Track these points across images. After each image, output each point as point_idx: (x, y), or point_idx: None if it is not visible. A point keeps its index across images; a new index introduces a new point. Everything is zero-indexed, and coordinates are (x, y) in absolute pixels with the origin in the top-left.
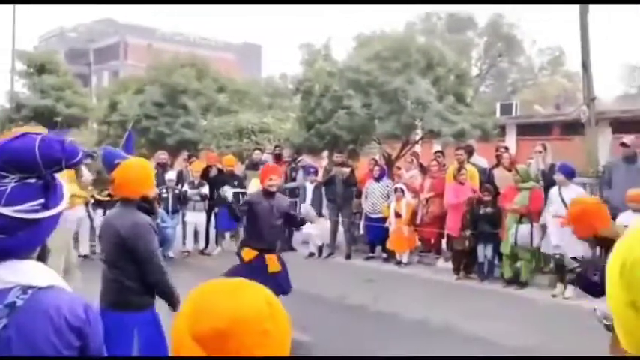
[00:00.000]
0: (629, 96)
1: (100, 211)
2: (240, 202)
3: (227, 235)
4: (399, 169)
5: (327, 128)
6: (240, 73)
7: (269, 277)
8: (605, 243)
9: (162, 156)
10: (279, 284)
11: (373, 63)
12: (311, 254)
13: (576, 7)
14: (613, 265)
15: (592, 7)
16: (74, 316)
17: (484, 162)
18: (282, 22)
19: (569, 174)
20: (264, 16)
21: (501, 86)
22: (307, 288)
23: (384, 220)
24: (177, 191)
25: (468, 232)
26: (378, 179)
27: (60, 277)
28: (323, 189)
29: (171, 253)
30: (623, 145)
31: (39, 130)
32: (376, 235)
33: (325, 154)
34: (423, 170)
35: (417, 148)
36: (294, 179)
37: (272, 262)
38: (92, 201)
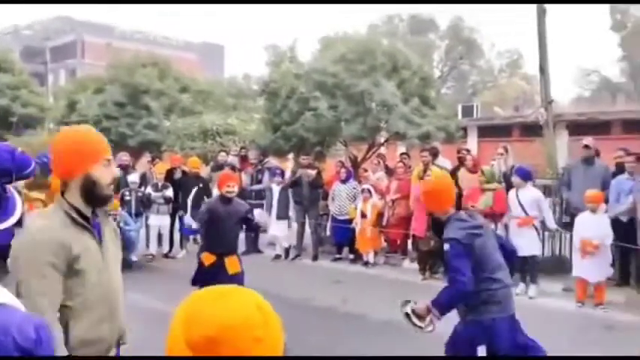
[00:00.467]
0: (583, 99)
1: None
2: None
3: (191, 237)
4: (366, 170)
5: (293, 130)
6: (202, 73)
7: (231, 279)
8: (436, 223)
9: (125, 157)
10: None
11: (339, 65)
12: (277, 256)
13: (534, 10)
14: None
15: (548, 10)
16: (23, 336)
17: (448, 164)
18: (243, 22)
19: (526, 176)
20: (225, 16)
21: (462, 88)
22: (274, 290)
23: (350, 221)
24: (140, 194)
25: (432, 234)
26: (344, 181)
27: (11, 295)
28: (290, 191)
29: (134, 257)
30: (586, 147)
31: None
32: (343, 237)
33: (291, 155)
34: (389, 172)
35: (382, 150)
36: (260, 181)
37: (231, 264)
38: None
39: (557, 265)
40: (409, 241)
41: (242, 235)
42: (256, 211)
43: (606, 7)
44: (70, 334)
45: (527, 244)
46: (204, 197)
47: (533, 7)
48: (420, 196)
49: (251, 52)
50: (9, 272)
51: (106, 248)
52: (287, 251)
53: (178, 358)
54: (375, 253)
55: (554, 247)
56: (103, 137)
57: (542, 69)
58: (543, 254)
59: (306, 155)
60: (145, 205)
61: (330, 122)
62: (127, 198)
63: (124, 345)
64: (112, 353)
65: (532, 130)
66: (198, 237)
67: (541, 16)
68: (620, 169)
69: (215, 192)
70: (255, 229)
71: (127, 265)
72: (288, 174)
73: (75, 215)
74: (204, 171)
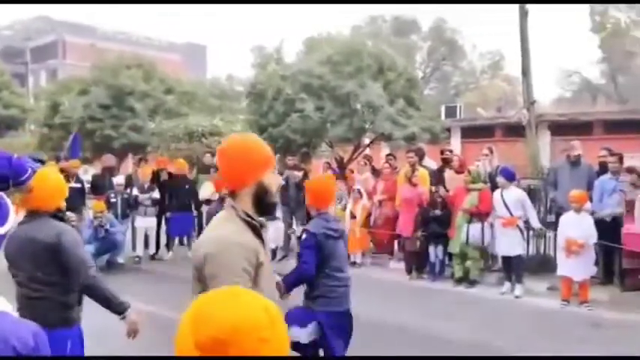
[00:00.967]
0: (564, 99)
1: None
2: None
3: (177, 239)
4: (352, 171)
5: (279, 131)
6: (186, 74)
7: None
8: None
9: (110, 160)
10: None
11: (325, 67)
12: None
13: (515, 12)
14: None
15: (530, 12)
16: (23, 344)
17: (433, 164)
18: (225, 22)
19: (510, 177)
20: (207, 16)
21: (445, 89)
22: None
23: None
24: (126, 196)
25: (419, 234)
26: None
27: (7, 302)
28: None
29: (121, 259)
30: (576, 157)
31: None
32: None
33: (277, 157)
34: (376, 173)
35: (367, 151)
36: None
37: None
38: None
39: (542, 265)
40: (395, 242)
41: None
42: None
43: (586, 8)
44: None
45: (511, 244)
46: (191, 199)
47: (515, 9)
48: (308, 193)
49: (234, 52)
50: None
51: (269, 257)
52: (274, 252)
53: (183, 358)
54: (362, 254)
55: (539, 247)
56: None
57: (525, 70)
58: (528, 253)
59: (292, 156)
60: (131, 206)
61: (316, 123)
62: (113, 200)
63: None
64: None
65: (515, 130)
66: (185, 239)
67: (523, 17)
68: (603, 168)
69: (202, 194)
70: None
71: (113, 267)
72: None
73: (254, 222)
74: (191, 173)
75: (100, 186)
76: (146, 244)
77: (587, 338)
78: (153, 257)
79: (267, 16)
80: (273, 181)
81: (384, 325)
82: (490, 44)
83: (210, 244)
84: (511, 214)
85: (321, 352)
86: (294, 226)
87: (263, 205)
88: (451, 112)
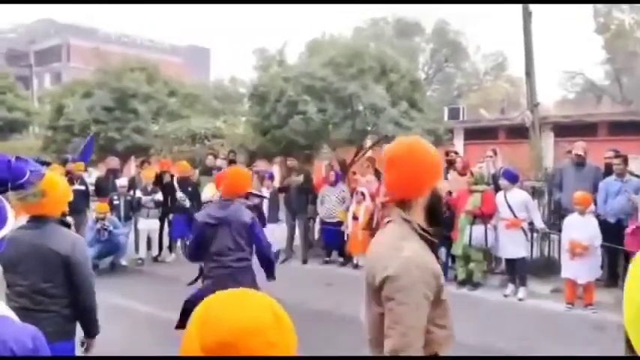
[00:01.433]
0: (568, 101)
1: None
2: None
3: (179, 241)
4: (355, 173)
5: (282, 133)
6: (189, 77)
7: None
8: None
9: (114, 162)
10: None
11: (328, 68)
12: None
13: (519, 13)
14: None
15: (533, 13)
16: (21, 347)
17: None
18: (228, 24)
19: (513, 179)
20: (211, 19)
21: (448, 91)
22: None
23: (339, 224)
24: (129, 198)
25: None
26: (333, 184)
27: (7, 307)
28: (279, 194)
29: (124, 261)
30: (578, 156)
31: None
32: (332, 240)
33: (279, 159)
34: (379, 175)
35: (370, 153)
36: None
37: None
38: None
39: (546, 267)
40: None
41: None
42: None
43: (590, 10)
44: None
45: (515, 247)
46: (193, 201)
47: (519, 10)
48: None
49: (237, 55)
50: None
51: None
52: (276, 255)
53: (185, 358)
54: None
55: (543, 249)
56: None
57: (528, 72)
58: (532, 256)
59: (295, 159)
60: (134, 209)
61: (319, 125)
62: (116, 202)
63: None
64: None
65: (518, 132)
66: (187, 241)
67: (526, 18)
68: (609, 170)
69: (204, 195)
70: None
71: (116, 269)
72: (276, 177)
73: (432, 239)
74: (194, 175)
75: (103, 188)
76: (149, 246)
77: (591, 341)
78: (155, 259)
79: (270, 19)
80: (443, 188)
81: None
82: (493, 46)
83: (393, 265)
84: (515, 215)
85: None
86: (297, 228)
87: (437, 214)
88: (454, 113)
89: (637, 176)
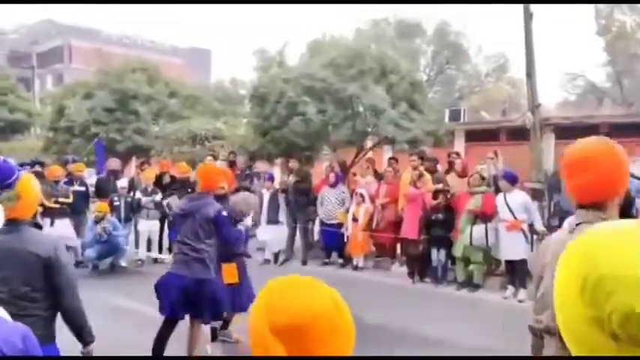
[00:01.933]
0: (569, 103)
1: (47, 220)
2: None
3: None
4: (355, 175)
5: (282, 135)
6: (189, 78)
7: (226, 289)
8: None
9: (115, 163)
10: (236, 297)
11: (328, 70)
12: (266, 261)
13: (520, 14)
14: (569, 281)
15: (535, 15)
16: (11, 348)
17: (438, 167)
18: (229, 26)
19: (512, 180)
20: (212, 21)
21: (449, 92)
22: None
23: (339, 226)
24: (129, 199)
25: (422, 237)
26: (333, 185)
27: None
28: (279, 196)
29: (123, 262)
30: None
31: None
32: (332, 241)
33: (278, 161)
34: (378, 176)
35: (370, 155)
36: (247, 188)
37: (228, 273)
38: (40, 210)
39: None
40: (398, 245)
41: None
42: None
43: (591, 12)
44: None
45: (515, 248)
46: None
47: (520, 11)
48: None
49: (238, 56)
50: None
51: None
52: (276, 256)
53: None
54: (365, 257)
55: None
56: None
57: (529, 73)
58: None
59: (297, 160)
60: (134, 210)
61: (319, 127)
62: (117, 203)
63: None
64: None
65: (519, 134)
66: None
67: (528, 20)
68: None
69: None
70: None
71: (116, 270)
72: (277, 179)
73: None
74: (194, 176)
75: (104, 189)
76: (149, 247)
77: None
78: (156, 260)
79: (272, 20)
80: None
81: (385, 329)
82: (495, 47)
83: None
84: (515, 217)
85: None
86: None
87: (626, 215)
88: (455, 115)
89: (638, 178)
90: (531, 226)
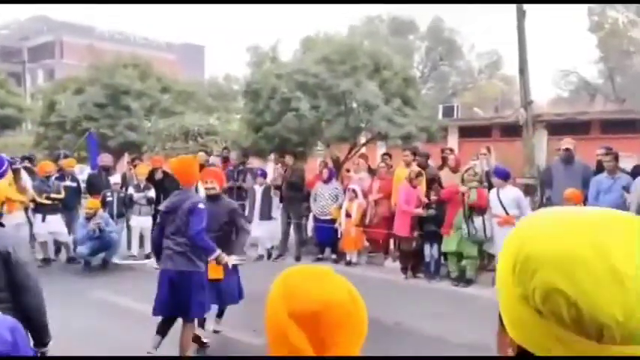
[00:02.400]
0: (561, 99)
1: (39, 216)
2: None
3: None
4: (348, 170)
5: (275, 130)
6: (182, 74)
7: (209, 285)
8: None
9: (107, 159)
10: (221, 293)
11: (321, 65)
12: (260, 257)
13: (513, 11)
14: (504, 261)
15: (527, 12)
16: (0, 340)
17: (430, 163)
18: (223, 22)
19: (504, 176)
20: (206, 17)
21: (442, 89)
22: (258, 291)
23: (332, 221)
24: (122, 195)
25: (415, 233)
26: (326, 181)
27: None
28: (272, 191)
29: (116, 259)
30: (566, 150)
31: None
32: (325, 237)
33: (272, 156)
34: (371, 172)
35: (363, 150)
36: (241, 183)
37: (212, 268)
38: (32, 206)
39: None
40: (391, 241)
41: None
42: None
43: (584, 8)
44: None
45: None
46: None
47: (513, 9)
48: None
49: (232, 52)
50: None
51: None
52: (269, 252)
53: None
54: (358, 253)
55: None
56: None
57: (522, 70)
58: None
59: (289, 155)
60: (126, 206)
61: (312, 122)
62: (109, 199)
63: None
64: None
65: (512, 130)
66: None
67: (520, 17)
68: (600, 167)
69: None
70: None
71: (108, 266)
72: (270, 174)
73: None
74: None
75: (96, 185)
76: (141, 244)
77: None
78: (148, 256)
79: (266, 16)
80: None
81: (379, 325)
82: (488, 44)
83: None
84: (507, 212)
85: None
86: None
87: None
88: (448, 111)
89: (628, 173)
90: None
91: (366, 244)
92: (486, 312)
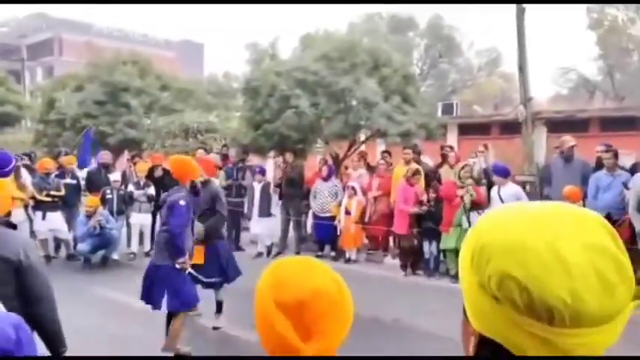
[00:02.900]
0: (561, 96)
1: (39, 213)
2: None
3: None
4: (347, 168)
5: (274, 128)
6: (182, 72)
7: (210, 262)
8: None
9: (106, 156)
10: (206, 275)
11: (320, 63)
12: (259, 254)
13: (513, 9)
14: (465, 252)
15: (527, 10)
16: (4, 337)
17: (429, 161)
18: (223, 20)
19: (504, 173)
20: (205, 14)
21: (442, 86)
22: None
23: (332, 219)
24: (122, 192)
25: (415, 230)
26: (326, 179)
27: None
28: (271, 188)
29: (116, 256)
30: (569, 148)
31: None
32: (325, 234)
33: (272, 154)
34: (371, 169)
35: (363, 148)
36: (237, 180)
37: (195, 253)
38: (31, 203)
39: None
40: (390, 238)
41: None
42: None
43: (583, 6)
44: None
45: None
46: None
47: (513, 6)
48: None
49: (231, 50)
50: None
51: None
52: (269, 249)
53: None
54: (357, 250)
55: None
56: None
57: (521, 67)
58: None
59: (289, 152)
60: (126, 203)
61: (311, 120)
62: (109, 196)
63: None
64: None
65: (512, 127)
66: None
67: (520, 15)
68: (600, 164)
69: None
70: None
71: (108, 264)
72: (270, 172)
73: None
74: None
75: (95, 182)
76: (141, 241)
77: None
78: (148, 254)
79: (265, 14)
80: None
81: (378, 322)
82: (487, 42)
83: None
84: None
85: None
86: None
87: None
88: (448, 109)
89: (627, 170)
90: None
91: (366, 241)
92: None
